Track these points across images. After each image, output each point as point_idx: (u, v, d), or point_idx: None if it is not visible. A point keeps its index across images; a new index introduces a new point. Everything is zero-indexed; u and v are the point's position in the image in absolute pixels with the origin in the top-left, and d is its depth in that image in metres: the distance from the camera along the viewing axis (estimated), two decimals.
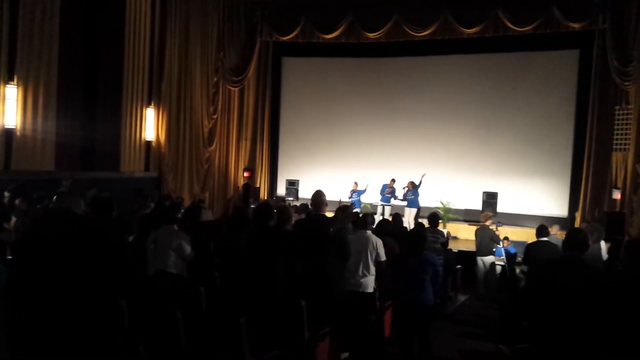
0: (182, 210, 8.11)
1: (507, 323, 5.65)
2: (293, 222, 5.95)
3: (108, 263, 2.86)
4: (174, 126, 13.28)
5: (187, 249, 5.52)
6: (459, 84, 14.73)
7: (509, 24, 13.13)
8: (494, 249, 9.73)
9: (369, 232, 6.17)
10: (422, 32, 13.94)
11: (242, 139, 16.15)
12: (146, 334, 3.95)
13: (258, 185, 16.04)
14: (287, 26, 15.03)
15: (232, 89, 15.43)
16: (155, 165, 12.79)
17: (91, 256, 2.78)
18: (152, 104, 12.53)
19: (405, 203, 13.60)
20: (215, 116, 14.94)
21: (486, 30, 13.51)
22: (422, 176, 13.64)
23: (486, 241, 9.52)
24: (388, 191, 13.91)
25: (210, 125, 14.85)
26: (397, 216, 9.18)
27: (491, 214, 10.75)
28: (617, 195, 12.10)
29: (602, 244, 8.04)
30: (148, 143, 12.54)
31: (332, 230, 5.43)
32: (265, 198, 15.81)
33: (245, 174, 15.95)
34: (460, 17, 13.56)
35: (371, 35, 14.38)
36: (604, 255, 7.89)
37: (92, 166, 10.99)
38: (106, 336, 2.84)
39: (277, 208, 5.14)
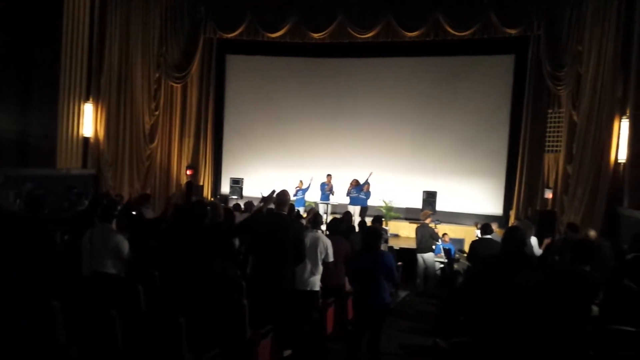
0: (119, 208, 7.90)
1: (444, 317, 5.82)
2: (237, 219, 5.93)
3: (37, 260, 2.78)
4: (113, 122, 12.90)
5: (125, 249, 5.38)
6: (401, 86, 15.04)
7: (448, 29, 13.51)
8: (434, 246, 10.01)
9: (319, 232, 6.23)
10: (366, 34, 14.14)
11: (185, 136, 15.88)
12: (81, 334, 3.85)
13: (201, 184, 15.84)
14: (232, 23, 14.91)
15: (175, 85, 15.15)
16: (93, 162, 12.40)
17: (19, 252, 2.70)
18: (91, 99, 12.13)
19: (347, 200, 13.80)
20: (157, 112, 14.63)
21: (427, 34, 13.86)
22: (369, 175, 13.85)
23: (426, 238, 9.81)
24: (328, 188, 14.05)
25: (152, 122, 14.52)
26: (347, 214, 9.31)
27: (430, 212, 11.07)
28: (548, 194, 12.67)
29: (533, 239, 8.42)
30: (86, 139, 12.14)
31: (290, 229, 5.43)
32: (209, 196, 15.64)
33: (188, 172, 15.71)
34: (402, 21, 13.84)
35: (316, 35, 14.47)
36: (537, 250, 8.28)
37: (26, 162, 10.58)
38: (36, 336, 2.76)
39: (209, 205, 5.11)
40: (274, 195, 5.54)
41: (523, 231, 4.62)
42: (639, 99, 9.02)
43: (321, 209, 13.98)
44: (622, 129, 9.77)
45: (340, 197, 14.12)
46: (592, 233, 7.71)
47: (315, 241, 6.02)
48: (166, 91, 15.01)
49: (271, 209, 5.54)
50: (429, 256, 9.94)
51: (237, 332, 4.48)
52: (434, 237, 9.87)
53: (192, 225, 4.76)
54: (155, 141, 14.66)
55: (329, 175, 14.23)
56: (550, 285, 3.92)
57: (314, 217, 6.36)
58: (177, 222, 5.56)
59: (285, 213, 5.37)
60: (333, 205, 13.99)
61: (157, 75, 14.49)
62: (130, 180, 13.65)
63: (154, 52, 14.21)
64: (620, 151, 9.86)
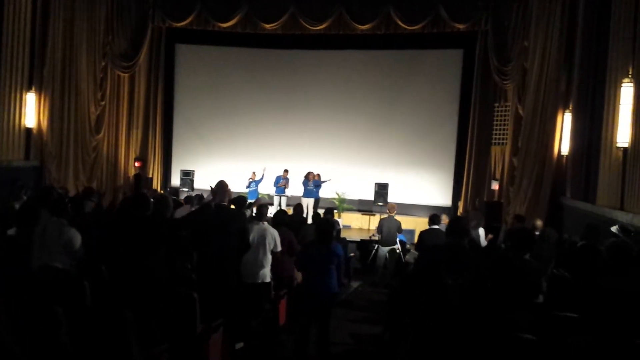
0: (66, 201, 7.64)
1: (394, 307, 5.91)
2: (185, 212, 5.82)
3: None
4: (57, 112, 12.46)
5: (77, 244, 5.25)
6: (353, 79, 15.11)
7: (399, 22, 13.64)
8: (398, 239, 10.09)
9: (266, 223, 6.20)
10: (318, 26, 14.12)
11: (133, 127, 15.47)
12: (24, 331, 3.69)
13: (150, 176, 15.49)
14: (181, 12, 14.59)
15: (122, 74, 14.74)
16: (36, 154, 11.95)
17: None
18: (33, 89, 11.65)
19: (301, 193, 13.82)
20: (103, 103, 14.21)
21: (378, 28, 13.96)
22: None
23: (393, 231, 9.82)
24: (282, 183, 14.02)
25: (98, 112, 14.11)
26: (299, 207, 9.29)
27: (395, 205, 11.09)
28: (495, 186, 13.03)
29: (481, 230, 8.65)
30: (28, 130, 11.66)
31: (234, 221, 5.37)
32: (159, 189, 15.32)
33: (137, 164, 15.34)
34: (354, 14, 13.90)
35: (267, 26, 14.33)
36: (483, 241, 8.51)
37: None
38: None
39: (155, 197, 5.00)
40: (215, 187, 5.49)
41: (465, 221, 4.73)
42: (581, 94, 9.35)
43: (275, 201, 13.96)
44: (565, 122, 10.13)
45: (295, 189, 14.11)
46: (539, 223, 8.00)
47: (263, 233, 5.99)
48: (113, 81, 14.60)
49: (211, 200, 5.48)
50: (393, 249, 9.97)
51: (187, 326, 4.40)
52: (399, 230, 9.92)
53: (135, 218, 4.65)
54: (102, 132, 14.27)
55: (285, 171, 14.14)
56: (492, 273, 4.01)
57: (260, 209, 6.31)
58: (123, 215, 5.43)
59: (226, 203, 5.30)
60: (288, 198, 13.97)
61: (103, 64, 14.09)
62: (76, 172, 13.25)
63: (99, 41, 13.80)
64: (563, 144, 10.23)
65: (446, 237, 4.78)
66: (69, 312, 3.93)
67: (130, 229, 4.65)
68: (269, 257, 6.05)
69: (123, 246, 4.61)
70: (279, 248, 6.13)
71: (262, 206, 6.49)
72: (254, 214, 6.47)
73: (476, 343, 3.09)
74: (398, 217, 9.97)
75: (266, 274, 6.05)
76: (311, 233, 6.61)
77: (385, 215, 10.19)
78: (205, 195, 9.12)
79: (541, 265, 4.83)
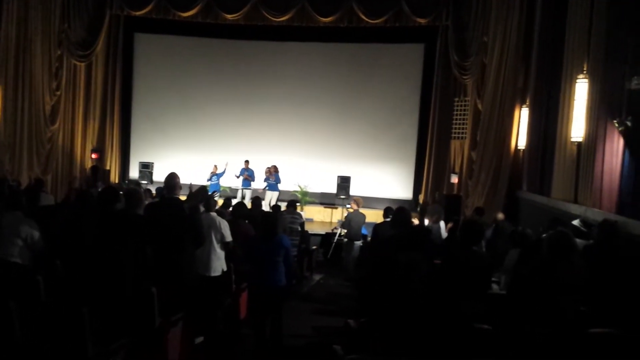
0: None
1: (360, 299, 5.96)
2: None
3: None
4: (10, 102, 12.07)
5: (37, 238, 5.13)
6: (315, 71, 15.09)
7: (362, 16, 13.69)
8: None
9: (214, 213, 6.11)
10: (280, 17, 14.03)
11: (89, 118, 15.08)
12: None
13: (108, 168, 15.14)
14: (140, 1, 14.26)
15: (79, 63, 14.34)
16: None
17: None
18: None
19: (265, 186, 13.77)
20: (58, 92, 13.82)
21: (341, 20, 13.98)
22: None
23: (359, 225, 9.79)
24: (245, 175, 13.93)
25: (53, 102, 13.72)
26: (257, 199, 9.21)
27: (361, 199, 11.08)
28: (454, 179, 13.25)
29: (442, 223, 8.79)
30: None
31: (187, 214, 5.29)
32: (117, 181, 15.00)
33: (93, 156, 14.97)
34: (317, 6, 13.88)
35: (229, 16, 14.15)
36: (444, 233, 8.64)
37: None
38: None
39: (126, 192, 4.90)
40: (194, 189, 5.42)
41: (409, 212, 4.79)
42: (538, 89, 9.58)
43: (239, 194, 13.88)
44: (522, 117, 10.37)
45: (259, 182, 14.05)
46: (500, 216, 8.17)
47: (210, 223, 5.91)
48: (69, 70, 14.24)
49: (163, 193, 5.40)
50: (359, 243, 9.95)
51: (145, 321, 4.33)
52: (363, 223, 9.90)
53: (102, 211, 4.55)
54: (57, 123, 13.91)
55: (246, 161, 14.07)
56: (443, 266, 4.08)
57: (207, 200, 6.21)
58: (80, 208, 5.30)
59: (177, 196, 5.21)
60: (253, 191, 13.90)
61: (58, 53, 13.72)
62: (30, 164, 12.87)
63: (55, 29, 13.41)
64: (520, 138, 10.48)
65: (391, 228, 4.82)
66: (23, 307, 3.83)
67: (99, 222, 4.54)
68: (218, 248, 5.96)
69: (88, 240, 4.49)
70: (228, 238, 6.04)
71: (210, 197, 6.40)
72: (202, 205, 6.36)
73: (433, 333, 3.14)
74: (361, 210, 9.98)
75: (217, 266, 5.96)
76: None
77: (351, 210, 10.20)
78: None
79: (495, 257, 4.94)
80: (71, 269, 4.66)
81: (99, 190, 6.38)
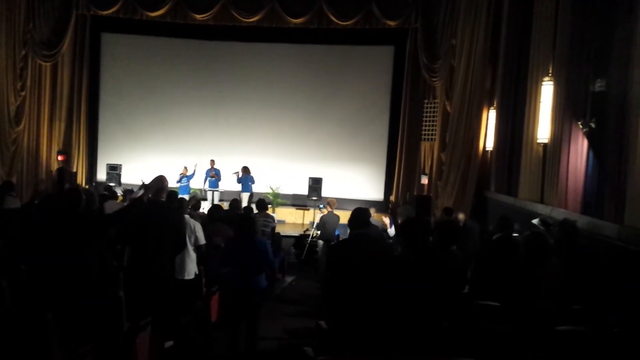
0: None
1: (326, 300, 5.95)
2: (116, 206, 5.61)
3: None
4: None
5: None
6: (286, 73, 15.06)
7: (332, 17, 13.72)
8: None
9: (187, 216, 6.05)
10: (250, 18, 13.97)
11: (55, 119, 14.76)
12: None
13: (75, 170, 14.84)
14: (107, 0, 14.03)
15: (44, 64, 14.03)
16: None
17: None
18: None
19: (235, 187, 13.68)
20: (23, 93, 13.52)
21: (311, 22, 13.99)
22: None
23: (334, 227, 9.78)
24: (212, 174, 13.85)
25: (18, 103, 13.42)
26: (235, 202, 9.14)
27: (335, 200, 11.07)
28: (424, 180, 13.39)
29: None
30: None
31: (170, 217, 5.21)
32: (84, 183, 14.72)
33: (60, 158, 14.65)
34: (287, 7, 13.86)
35: (198, 16, 14.03)
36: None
37: None
38: None
39: (84, 193, 4.81)
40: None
41: (367, 212, 4.81)
42: (505, 92, 9.74)
43: (209, 196, 13.75)
44: (490, 119, 10.54)
45: (228, 184, 13.94)
46: (461, 216, 8.30)
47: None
48: (34, 70, 13.95)
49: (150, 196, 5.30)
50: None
51: (113, 326, 4.25)
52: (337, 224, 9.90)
53: (65, 214, 4.45)
54: (22, 124, 13.62)
55: (212, 161, 13.98)
56: (415, 265, 4.10)
57: (179, 202, 6.15)
58: (46, 211, 5.17)
59: (164, 200, 5.16)
60: (221, 192, 13.80)
61: (23, 53, 13.44)
62: None
63: (19, 28, 13.12)
64: (488, 140, 10.64)
65: (349, 228, 4.82)
66: None
67: (61, 225, 4.44)
68: (191, 251, 5.90)
69: (52, 243, 4.39)
70: (202, 241, 5.99)
71: (182, 199, 6.34)
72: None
73: (405, 332, 3.15)
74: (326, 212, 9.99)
75: (189, 269, 5.89)
76: None
77: (325, 211, 10.20)
78: (135, 190, 8.83)
79: (466, 257, 5.00)
80: (35, 272, 4.55)
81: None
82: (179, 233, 5.08)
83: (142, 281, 4.76)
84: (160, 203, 5.09)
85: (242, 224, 5.39)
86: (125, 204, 7.13)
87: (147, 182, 5.43)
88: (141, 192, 5.13)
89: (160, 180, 5.13)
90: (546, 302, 3.79)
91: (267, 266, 5.41)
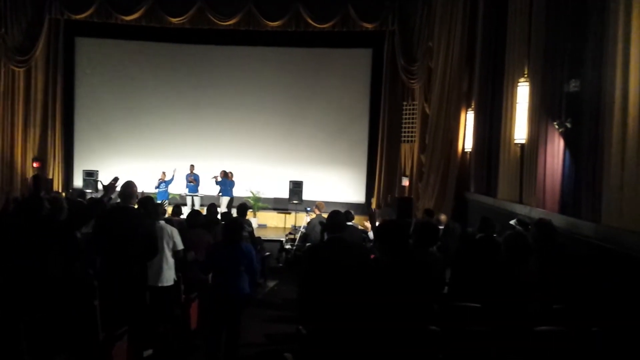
0: None
1: (303, 304, 5.89)
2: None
3: None
4: None
5: None
6: (264, 76, 14.99)
7: (309, 20, 13.72)
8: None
9: (162, 222, 5.94)
10: (227, 21, 13.92)
11: (30, 126, 14.52)
12: None
13: (50, 177, 14.59)
14: (81, 4, 13.91)
15: (17, 69, 13.79)
16: None
17: None
18: None
19: (215, 191, 13.60)
20: None
21: (288, 25, 13.98)
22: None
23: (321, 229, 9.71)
24: (191, 179, 13.73)
25: None
26: (212, 206, 9.04)
27: (323, 203, 11.02)
28: (405, 182, 13.43)
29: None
30: None
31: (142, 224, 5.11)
32: (60, 190, 14.46)
33: (35, 165, 14.41)
34: (264, 10, 13.84)
35: (174, 20, 13.93)
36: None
37: None
38: None
39: (49, 199, 4.71)
40: (116, 184, 5.23)
41: (343, 215, 4.76)
42: (482, 93, 9.80)
43: (188, 201, 13.62)
44: (468, 120, 10.60)
45: (207, 188, 13.83)
46: (443, 217, 8.30)
47: (160, 231, 5.74)
48: (7, 76, 13.76)
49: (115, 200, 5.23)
50: None
51: (88, 335, 4.15)
52: None
53: (27, 221, 4.35)
54: None
55: (192, 166, 13.87)
56: (392, 267, 4.07)
57: (154, 207, 6.02)
58: (16, 218, 5.05)
59: (133, 206, 5.06)
60: (202, 198, 13.68)
61: None
62: None
63: None
64: (467, 141, 10.69)
65: (326, 232, 4.77)
66: None
67: (24, 232, 4.34)
68: (169, 257, 5.79)
69: (19, 251, 4.29)
70: (180, 246, 5.89)
71: (157, 205, 6.23)
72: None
73: (386, 335, 3.12)
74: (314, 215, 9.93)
75: (168, 276, 5.79)
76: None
77: (313, 215, 10.14)
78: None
79: (447, 257, 5.00)
80: (6, 281, 4.44)
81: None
82: (151, 239, 4.97)
83: (114, 289, 4.65)
84: (129, 209, 4.99)
85: (227, 228, 5.31)
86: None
87: (106, 184, 5.35)
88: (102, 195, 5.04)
89: (128, 187, 5.02)
90: (526, 302, 3.79)
91: (251, 272, 5.33)
